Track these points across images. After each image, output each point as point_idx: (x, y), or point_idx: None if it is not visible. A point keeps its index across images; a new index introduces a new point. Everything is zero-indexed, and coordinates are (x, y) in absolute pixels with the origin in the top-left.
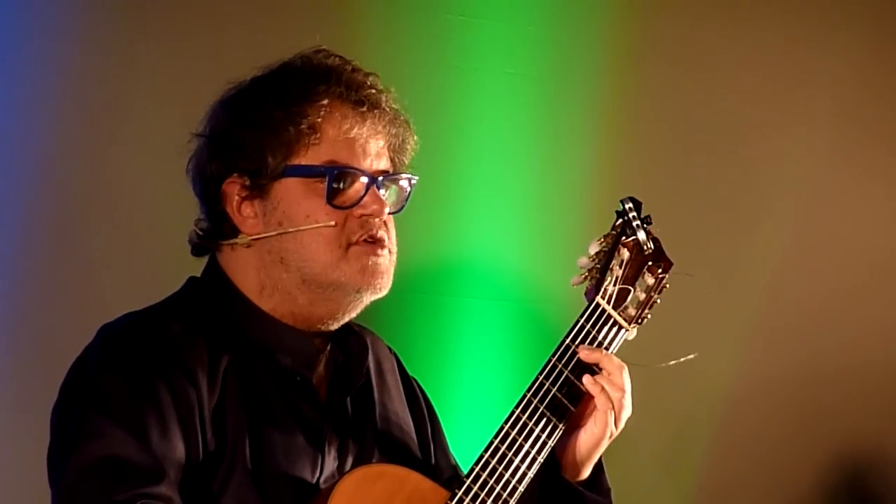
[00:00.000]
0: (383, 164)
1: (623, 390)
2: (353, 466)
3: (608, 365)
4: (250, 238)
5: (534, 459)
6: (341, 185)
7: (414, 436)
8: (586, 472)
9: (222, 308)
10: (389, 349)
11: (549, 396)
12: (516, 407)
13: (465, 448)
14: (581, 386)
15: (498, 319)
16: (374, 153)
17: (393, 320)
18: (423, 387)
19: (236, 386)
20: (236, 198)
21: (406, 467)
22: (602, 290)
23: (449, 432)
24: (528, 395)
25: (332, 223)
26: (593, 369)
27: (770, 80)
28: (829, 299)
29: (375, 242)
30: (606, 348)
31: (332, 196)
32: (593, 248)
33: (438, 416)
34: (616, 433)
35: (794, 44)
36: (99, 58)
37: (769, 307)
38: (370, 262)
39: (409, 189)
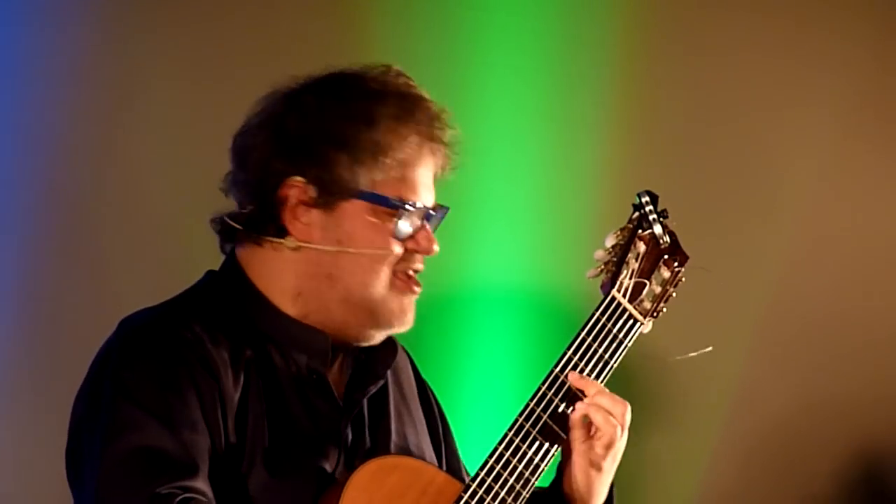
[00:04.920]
0: (433, 194)
1: (611, 422)
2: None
3: (592, 391)
4: (299, 243)
5: (536, 467)
6: (409, 222)
7: (428, 438)
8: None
9: (239, 304)
10: (404, 350)
11: (543, 420)
12: (521, 413)
13: (476, 440)
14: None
15: (510, 311)
16: (430, 186)
17: None
18: (435, 381)
19: (256, 381)
20: (294, 200)
21: (421, 460)
22: (618, 283)
23: (459, 426)
24: (531, 404)
25: (396, 251)
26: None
27: (782, 73)
28: (842, 293)
29: (412, 282)
30: (622, 342)
31: (399, 231)
32: (609, 241)
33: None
34: (611, 465)
35: (807, 37)
36: (110, 54)
37: (781, 300)
38: (405, 300)
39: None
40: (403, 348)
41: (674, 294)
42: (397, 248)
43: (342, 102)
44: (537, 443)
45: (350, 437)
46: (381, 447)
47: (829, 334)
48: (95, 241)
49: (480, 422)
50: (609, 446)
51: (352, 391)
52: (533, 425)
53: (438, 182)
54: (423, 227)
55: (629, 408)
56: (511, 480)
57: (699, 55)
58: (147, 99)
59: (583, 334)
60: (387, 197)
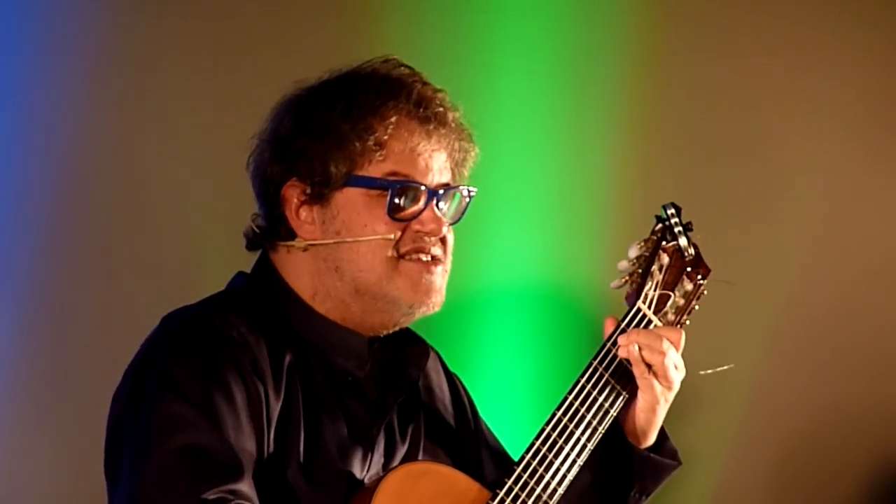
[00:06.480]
0: (444, 177)
1: (662, 353)
2: (400, 464)
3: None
4: (307, 243)
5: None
6: (402, 200)
7: (458, 435)
8: (651, 440)
9: (276, 307)
10: (432, 348)
11: (604, 379)
12: (557, 409)
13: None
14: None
15: (523, 310)
16: (437, 168)
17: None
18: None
19: (297, 385)
20: (295, 201)
21: (450, 466)
22: (643, 294)
23: None
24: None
25: (391, 236)
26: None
27: (793, 76)
28: (857, 297)
29: (429, 261)
30: None
31: (393, 209)
32: (633, 252)
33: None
34: (670, 396)
35: (818, 39)
36: (124, 56)
37: (795, 305)
38: (423, 280)
39: (468, 200)
40: (432, 347)
41: (696, 307)
42: (395, 230)
43: (326, 96)
44: (575, 435)
45: (382, 440)
46: (411, 450)
47: (842, 339)
48: (105, 241)
49: (494, 419)
50: (665, 376)
51: (384, 394)
52: (570, 419)
53: (467, 168)
54: (428, 207)
55: (666, 339)
56: (547, 476)
57: (710, 58)
58: (158, 98)
59: (608, 345)
60: (374, 178)
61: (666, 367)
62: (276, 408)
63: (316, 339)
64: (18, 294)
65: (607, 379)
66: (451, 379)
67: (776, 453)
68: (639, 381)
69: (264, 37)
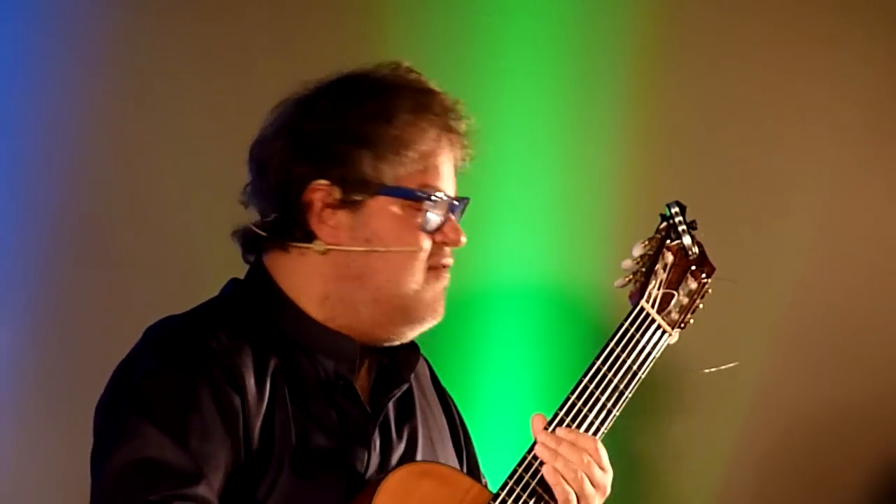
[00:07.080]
0: (455, 188)
1: (583, 471)
2: (397, 465)
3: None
4: (328, 247)
5: None
6: (435, 212)
7: (451, 441)
8: None
9: (266, 312)
10: (423, 357)
11: (531, 487)
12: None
13: (492, 438)
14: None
15: (526, 310)
16: (452, 177)
17: None
18: (451, 380)
19: (283, 389)
20: (319, 204)
21: (451, 467)
22: (647, 293)
23: (476, 424)
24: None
25: (425, 247)
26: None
27: (797, 78)
28: (861, 295)
29: (444, 277)
30: (650, 353)
31: (426, 222)
32: (637, 251)
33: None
34: None
35: (821, 42)
36: (126, 56)
37: (800, 303)
38: (438, 291)
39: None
40: (424, 357)
41: (700, 305)
42: (426, 243)
43: (358, 101)
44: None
45: (378, 440)
46: (409, 450)
47: (845, 338)
48: (107, 241)
49: (497, 420)
50: (584, 494)
51: (378, 395)
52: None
53: (459, 179)
54: (448, 218)
55: (585, 452)
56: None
57: (713, 59)
58: (161, 99)
59: (611, 344)
60: (412, 189)
61: (583, 484)
62: (259, 414)
63: (307, 343)
64: (21, 294)
65: (534, 488)
66: (442, 391)
67: (778, 452)
68: (557, 497)
69: (268, 38)
